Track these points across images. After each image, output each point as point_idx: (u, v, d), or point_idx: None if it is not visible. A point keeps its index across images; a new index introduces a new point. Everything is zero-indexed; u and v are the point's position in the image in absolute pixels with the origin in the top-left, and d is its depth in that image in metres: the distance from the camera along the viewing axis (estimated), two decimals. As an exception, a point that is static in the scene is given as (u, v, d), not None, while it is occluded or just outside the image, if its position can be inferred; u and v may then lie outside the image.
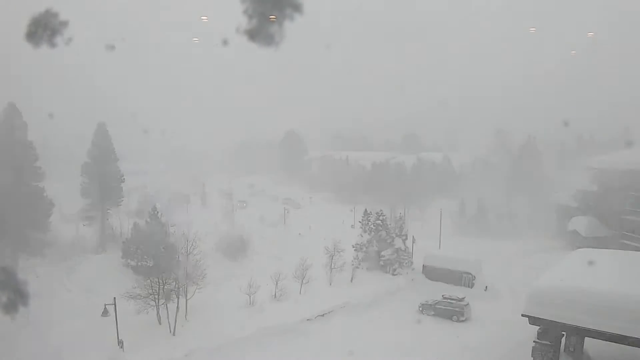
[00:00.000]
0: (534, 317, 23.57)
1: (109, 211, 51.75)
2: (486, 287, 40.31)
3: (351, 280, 41.11)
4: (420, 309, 34.91)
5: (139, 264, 37.62)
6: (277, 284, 35.94)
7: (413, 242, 46.92)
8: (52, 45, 2.26)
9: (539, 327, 24.40)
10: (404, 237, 46.32)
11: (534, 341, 24.79)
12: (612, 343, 22.42)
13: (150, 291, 30.33)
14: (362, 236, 46.52)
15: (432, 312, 34.30)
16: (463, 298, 34.90)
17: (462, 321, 33.22)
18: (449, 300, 34.63)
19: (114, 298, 27.18)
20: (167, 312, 30.49)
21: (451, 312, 33.86)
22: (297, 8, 2.24)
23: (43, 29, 2.22)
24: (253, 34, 2.22)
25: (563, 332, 24.73)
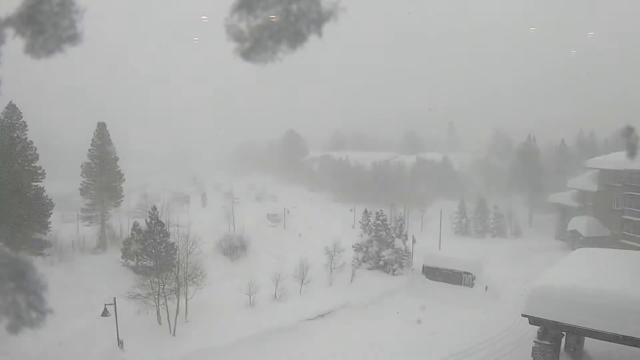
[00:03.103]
0: (534, 317, 23.56)
1: (109, 211, 51.71)
2: (486, 287, 40.30)
3: (351, 280, 41.10)
4: None
5: (139, 264, 37.59)
6: (277, 284, 35.92)
7: (413, 242, 46.88)
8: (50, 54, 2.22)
9: (539, 327, 24.40)
10: (404, 237, 46.28)
11: (534, 341, 24.79)
12: (612, 343, 22.43)
13: (150, 291, 30.32)
14: (362, 236, 46.50)
15: None
16: None
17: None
18: None
19: (114, 298, 27.17)
20: (167, 312, 30.48)
21: None
22: (293, 45, 2.21)
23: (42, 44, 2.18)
24: (246, 56, 2.20)
25: (563, 332, 24.74)
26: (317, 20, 2.14)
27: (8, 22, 2.04)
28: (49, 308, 2.18)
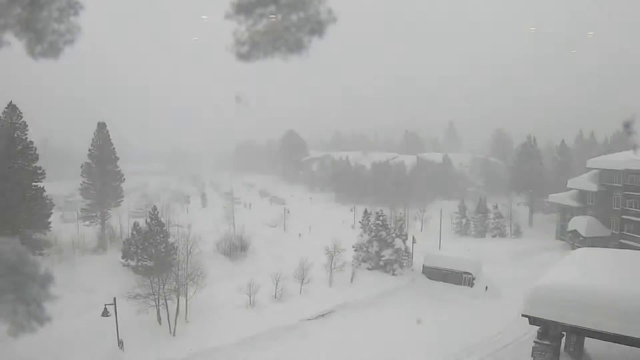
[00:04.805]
0: (534, 317, 23.56)
1: (109, 211, 51.73)
2: (486, 287, 40.31)
3: (351, 280, 41.10)
4: None
5: (139, 264, 37.59)
6: (277, 284, 35.92)
7: (413, 242, 46.88)
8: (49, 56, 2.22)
9: (539, 327, 24.40)
10: (404, 237, 46.28)
11: (534, 341, 24.79)
12: (612, 343, 22.43)
13: (150, 291, 30.31)
14: (362, 236, 46.49)
15: None
16: None
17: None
18: None
19: (114, 298, 27.18)
20: (167, 312, 30.48)
21: None
22: (292, 52, 2.21)
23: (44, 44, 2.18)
24: (244, 58, 2.20)
25: (563, 332, 24.73)
26: (318, 30, 2.14)
27: (7, 27, 2.04)
28: (47, 317, 2.20)
